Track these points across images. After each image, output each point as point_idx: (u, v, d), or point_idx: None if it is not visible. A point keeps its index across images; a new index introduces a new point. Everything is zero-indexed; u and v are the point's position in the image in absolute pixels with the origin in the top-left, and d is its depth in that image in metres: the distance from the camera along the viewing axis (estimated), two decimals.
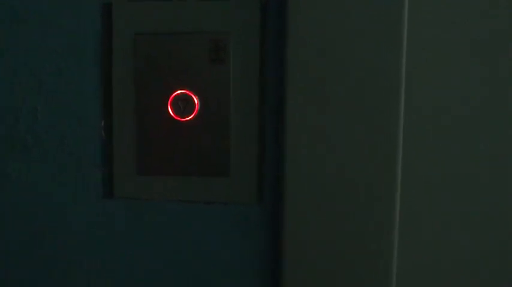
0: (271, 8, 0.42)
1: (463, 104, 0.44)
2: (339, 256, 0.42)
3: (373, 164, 0.40)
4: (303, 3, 0.39)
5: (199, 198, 0.44)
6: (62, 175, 0.46)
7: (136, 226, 0.45)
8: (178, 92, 0.43)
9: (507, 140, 0.44)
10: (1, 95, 0.45)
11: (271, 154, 0.43)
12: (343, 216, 0.41)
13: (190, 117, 0.43)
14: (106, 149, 0.45)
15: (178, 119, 0.43)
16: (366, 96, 0.40)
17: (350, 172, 0.40)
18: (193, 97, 0.43)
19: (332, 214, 0.41)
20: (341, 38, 0.39)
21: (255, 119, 0.43)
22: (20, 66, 0.45)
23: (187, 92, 0.43)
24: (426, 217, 0.45)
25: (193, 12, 0.42)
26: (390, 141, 0.40)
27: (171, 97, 0.43)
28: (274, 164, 0.43)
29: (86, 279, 0.46)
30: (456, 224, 0.45)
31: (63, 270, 0.47)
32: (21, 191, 0.46)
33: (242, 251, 0.44)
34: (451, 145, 0.44)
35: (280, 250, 0.43)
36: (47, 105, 0.45)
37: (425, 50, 0.44)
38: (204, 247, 0.45)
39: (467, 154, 0.44)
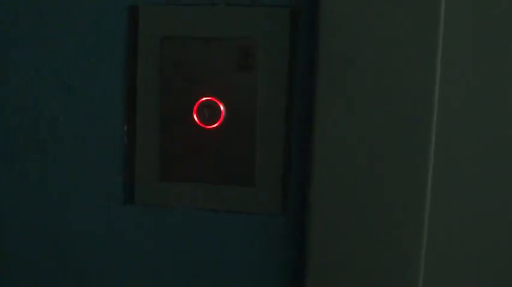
0: (302, 16, 0.41)
1: (496, 105, 0.43)
2: (364, 269, 0.41)
3: (403, 175, 0.39)
4: (335, 11, 0.38)
5: (222, 207, 0.43)
6: (83, 179, 0.45)
7: (156, 232, 0.45)
8: (204, 98, 0.42)
9: None
10: (24, 96, 0.45)
11: (296, 164, 0.42)
12: (370, 228, 0.40)
13: (215, 124, 0.42)
14: (128, 154, 0.44)
15: (204, 126, 0.42)
16: (397, 106, 0.39)
17: (378, 183, 0.40)
18: (219, 104, 0.42)
19: (358, 226, 0.40)
20: (373, 47, 0.38)
21: (281, 128, 0.42)
22: (44, 67, 0.44)
23: (214, 99, 0.42)
24: (458, 228, 0.44)
25: (222, 18, 0.41)
26: (421, 151, 0.39)
27: (196, 104, 0.42)
28: (299, 174, 0.42)
29: (103, 284, 0.46)
30: (491, 232, 0.44)
31: (79, 272, 0.46)
32: (40, 192, 0.46)
33: (264, 261, 0.44)
34: (485, 149, 0.43)
35: (303, 261, 0.42)
36: (69, 108, 0.44)
37: (461, 61, 0.43)
38: (226, 257, 0.44)
39: (499, 156, 0.43)
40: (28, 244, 0.46)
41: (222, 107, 0.42)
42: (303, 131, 0.42)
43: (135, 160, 0.44)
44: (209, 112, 0.42)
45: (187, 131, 0.43)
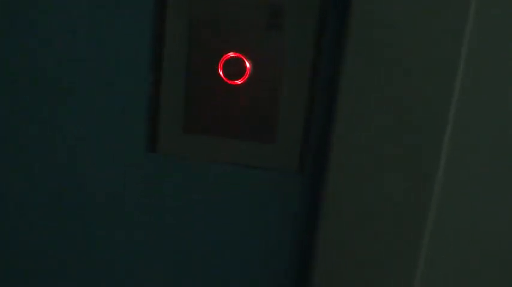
0: None
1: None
2: (375, 233, 0.42)
3: (426, 138, 0.40)
4: None
5: (241, 161, 0.45)
6: (106, 125, 0.46)
7: (176, 183, 0.46)
8: (231, 54, 0.42)
9: None
10: (51, 39, 0.45)
11: (318, 126, 0.43)
12: (386, 194, 0.41)
13: (240, 81, 0.43)
14: (153, 104, 0.45)
15: (229, 81, 0.43)
16: (425, 72, 0.39)
17: (398, 149, 0.40)
18: (246, 61, 0.42)
19: (373, 192, 0.41)
20: (404, 11, 0.38)
21: (305, 88, 0.43)
22: (71, 12, 0.45)
23: (240, 56, 0.42)
24: (469, 228, 0.45)
25: None
26: (442, 119, 0.40)
27: (223, 59, 0.43)
28: (319, 136, 0.43)
29: (123, 231, 0.48)
30: (498, 243, 0.45)
31: (100, 218, 0.48)
32: (65, 136, 0.47)
33: (279, 218, 0.45)
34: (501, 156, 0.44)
35: (316, 220, 0.43)
36: (96, 54, 0.45)
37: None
38: (241, 211, 0.46)
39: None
40: (52, 190, 0.48)
41: (248, 64, 0.42)
42: (326, 93, 0.42)
43: (159, 110, 0.45)
44: (235, 68, 0.42)
45: (212, 85, 0.43)
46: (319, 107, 0.43)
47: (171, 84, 0.44)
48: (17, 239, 0.50)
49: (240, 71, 0.43)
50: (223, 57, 0.43)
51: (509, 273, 0.46)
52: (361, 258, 0.43)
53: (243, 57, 0.42)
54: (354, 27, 0.39)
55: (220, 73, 0.43)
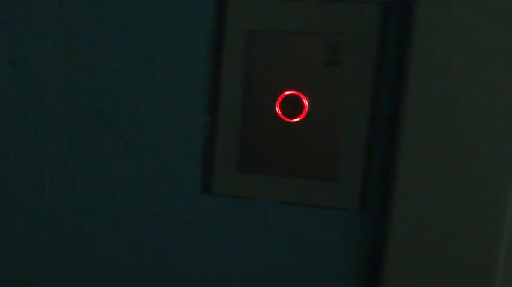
0: (393, 13, 0.41)
1: None
2: (443, 268, 0.40)
3: (491, 182, 0.39)
4: (430, 8, 0.38)
5: (300, 200, 0.44)
6: (163, 166, 0.46)
7: (233, 223, 0.45)
8: (288, 92, 0.42)
9: None
10: (109, 82, 0.46)
11: (378, 162, 0.42)
12: (453, 233, 0.39)
13: (298, 119, 0.42)
14: (209, 144, 0.45)
15: (286, 119, 0.43)
16: (485, 110, 0.38)
17: (464, 188, 0.39)
18: (303, 99, 0.42)
19: (438, 231, 0.40)
20: (468, 50, 0.38)
21: (365, 125, 0.42)
22: (131, 55, 0.45)
23: (297, 93, 0.42)
24: None
25: (310, 13, 0.42)
26: (506, 146, 0.38)
27: (280, 97, 0.42)
28: (380, 172, 0.42)
29: (177, 272, 0.47)
30: None
31: (156, 258, 0.47)
32: (121, 180, 0.47)
33: (340, 257, 0.44)
34: None
35: (379, 260, 0.42)
36: (154, 97, 0.45)
37: None
38: (302, 250, 0.44)
39: None
40: (109, 230, 0.48)
41: (305, 102, 0.42)
42: (386, 129, 0.42)
43: (215, 149, 0.45)
44: (292, 106, 0.42)
45: (269, 124, 0.43)
46: (379, 144, 0.42)
47: (228, 123, 0.44)
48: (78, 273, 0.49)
49: (297, 108, 0.42)
50: (280, 95, 0.42)
51: None
52: None
53: (300, 95, 0.42)
54: (412, 63, 0.38)
55: (278, 111, 0.43)
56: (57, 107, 0.47)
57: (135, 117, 0.46)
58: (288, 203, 0.44)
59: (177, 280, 0.47)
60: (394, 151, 0.40)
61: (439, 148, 0.39)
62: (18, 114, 0.48)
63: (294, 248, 0.44)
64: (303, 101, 0.42)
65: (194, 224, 0.46)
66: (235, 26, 0.43)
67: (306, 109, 0.42)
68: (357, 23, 0.41)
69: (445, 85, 0.38)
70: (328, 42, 0.41)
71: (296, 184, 0.43)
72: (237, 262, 0.46)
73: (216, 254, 0.46)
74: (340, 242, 0.43)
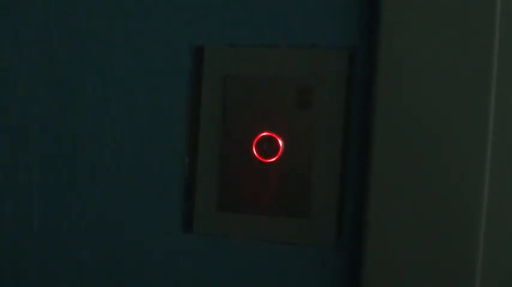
0: (359, 57, 0.43)
1: None
2: None
3: (459, 211, 0.40)
4: (392, 53, 0.40)
5: (277, 238, 0.45)
6: (143, 206, 0.47)
7: (213, 262, 0.46)
8: (264, 134, 0.44)
9: None
10: (89, 124, 0.48)
11: (352, 199, 0.44)
12: (431, 264, 0.41)
13: (273, 159, 0.44)
14: (189, 184, 0.47)
15: (262, 159, 0.44)
16: (452, 152, 0.40)
17: (435, 220, 0.40)
18: (278, 139, 0.44)
19: (417, 262, 0.41)
20: (432, 86, 0.40)
21: (337, 163, 0.44)
22: (110, 100, 0.47)
23: (272, 135, 0.44)
24: None
25: (282, 59, 0.44)
26: (477, 186, 0.40)
27: (256, 138, 0.44)
28: (354, 208, 0.44)
29: None
30: None
31: None
32: (99, 218, 0.48)
33: None
34: None
35: None
36: (134, 138, 0.47)
37: None
38: None
39: None
40: (90, 268, 0.49)
41: (280, 142, 0.44)
42: (358, 167, 0.44)
43: (195, 190, 0.46)
44: (268, 147, 0.44)
45: (246, 164, 0.45)
46: (352, 181, 0.44)
47: (207, 163, 0.46)
48: None
49: (272, 149, 0.44)
50: (256, 136, 0.44)
51: None
52: None
53: (275, 136, 0.44)
54: (378, 103, 0.41)
55: (254, 152, 0.44)
56: (37, 143, 0.49)
57: (116, 158, 0.48)
58: (265, 241, 0.45)
59: None
60: (366, 186, 0.42)
61: (410, 183, 0.41)
62: None
63: (272, 285, 0.45)
64: (278, 142, 0.44)
65: (176, 263, 0.47)
66: (212, 72, 0.45)
67: (281, 149, 0.44)
68: (326, 67, 0.43)
69: (411, 122, 0.41)
70: (300, 85, 0.44)
71: (272, 222, 0.45)
72: None
73: None
74: (316, 279, 0.45)
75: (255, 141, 0.44)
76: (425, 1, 0.40)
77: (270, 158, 0.44)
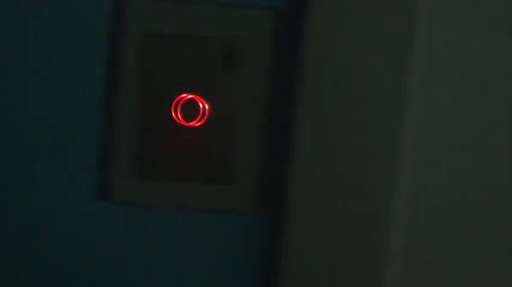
0: (288, 18, 0.42)
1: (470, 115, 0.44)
2: (338, 269, 0.41)
3: (377, 178, 0.40)
4: (321, 14, 0.39)
5: (199, 205, 0.43)
6: (58, 174, 0.44)
7: (133, 230, 0.44)
8: (186, 96, 0.42)
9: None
10: (5, 88, 0.44)
11: (276, 166, 0.43)
12: (348, 230, 0.40)
13: (196, 122, 0.42)
14: (106, 150, 0.44)
15: (184, 123, 0.42)
16: (375, 107, 0.40)
17: (354, 187, 0.40)
18: (201, 102, 0.42)
19: (335, 229, 0.41)
20: (357, 52, 0.39)
21: (261, 129, 0.42)
22: (24, 53, 0.44)
23: (195, 97, 0.42)
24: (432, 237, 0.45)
25: (207, 17, 0.42)
26: (393, 152, 0.40)
27: (178, 101, 0.42)
28: (276, 176, 0.43)
29: (77, 281, 0.45)
30: (459, 224, 0.44)
31: (54, 269, 0.45)
32: (14, 188, 0.45)
33: (239, 260, 0.44)
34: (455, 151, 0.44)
35: (278, 261, 0.42)
36: (47, 101, 0.44)
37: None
38: (202, 255, 0.44)
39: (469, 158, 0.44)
40: (6, 241, 0.45)
41: (203, 105, 0.42)
42: (283, 132, 0.42)
43: (112, 156, 0.44)
44: (190, 110, 0.42)
45: (167, 128, 0.42)
46: (275, 147, 0.43)
47: (124, 127, 0.43)
48: None
49: (195, 112, 0.42)
50: (178, 98, 0.42)
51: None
52: None
53: (198, 99, 0.42)
54: (306, 66, 0.39)
55: (175, 115, 0.42)
56: None
57: (26, 122, 0.44)
58: (186, 208, 0.43)
59: None
60: (288, 154, 0.41)
61: (333, 151, 0.40)
62: None
63: (192, 252, 0.44)
64: (201, 105, 0.42)
65: (92, 233, 0.45)
66: (132, 28, 0.42)
67: (203, 113, 0.42)
68: (253, 28, 0.42)
69: (338, 89, 0.40)
70: (225, 46, 0.41)
71: (194, 189, 0.43)
72: (138, 269, 0.45)
73: (113, 262, 0.45)
74: (237, 246, 0.43)
75: (177, 103, 0.42)
76: None
77: (192, 122, 0.42)
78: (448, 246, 0.44)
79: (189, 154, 0.43)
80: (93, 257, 0.45)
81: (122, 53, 0.43)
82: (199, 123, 0.42)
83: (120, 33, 0.43)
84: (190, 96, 0.42)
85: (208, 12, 0.42)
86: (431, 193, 0.43)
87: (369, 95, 0.40)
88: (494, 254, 0.44)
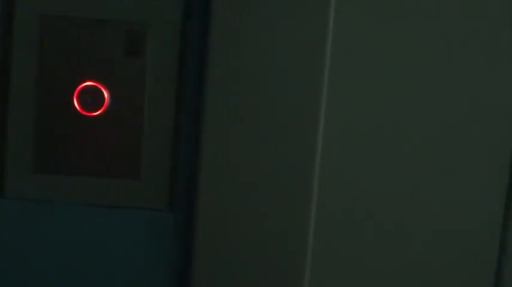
0: (195, 1, 0.39)
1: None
2: (251, 265, 0.40)
3: (291, 173, 0.39)
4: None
5: (104, 201, 0.40)
6: None
7: (30, 229, 0.41)
8: (87, 83, 0.39)
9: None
10: None
11: (185, 158, 0.41)
12: (260, 227, 0.39)
13: (98, 112, 0.39)
14: None
15: (85, 113, 0.39)
16: (287, 103, 0.38)
17: (266, 180, 0.39)
18: (103, 90, 0.39)
19: (247, 224, 0.39)
20: (266, 37, 0.38)
21: (170, 119, 0.40)
22: None
23: (97, 85, 0.39)
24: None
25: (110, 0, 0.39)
26: (308, 148, 0.39)
27: (77, 89, 0.39)
28: (188, 169, 0.41)
29: None
30: (373, 225, 0.44)
31: None
32: None
33: (149, 259, 0.41)
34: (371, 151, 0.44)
35: (189, 260, 0.40)
36: None
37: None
38: (108, 255, 0.41)
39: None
40: None
41: (106, 94, 0.39)
42: (193, 123, 0.40)
43: (6, 149, 0.40)
44: (91, 98, 0.39)
45: (66, 119, 0.39)
46: (185, 138, 0.40)
47: (19, 118, 0.40)
48: None
49: (97, 101, 0.39)
50: (78, 87, 0.39)
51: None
52: None
53: (100, 86, 0.39)
54: (212, 53, 0.38)
55: (76, 104, 0.39)
56: None
57: None
58: (90, 204, 0.41)
59: None
60: (199, 146, 0.39)
61: (244, 143, 0.39)
62: None
63: (98, 251, 0.41)
64: (103, 93, 0.39)
65: None
66: (25, 10, 0.39)
67: (106, 102, 0.39)
68: (158, 12, 0.39)
69: (245, 76, 0.38)
70: (129, 30, 0.39)
71: (98, 183, 0.40)
72: (36, 270, 0.41)
73: (10, 262, 0.41)
74: (146, 243, 0.41)
75: (77, 92, 0.39)
76: None
77: (94, 112, 0.39)
78: (367, 247, 0.44)
79: (92, 145, 0.40)
80: None
81: (16, 38, 0.39)
82: (100, 113, 0.39)
83: (13, 16, 0.39)
84: (91, 83, 0.39)
85: None
86: (346, 193, 0.43)
87: (281, 91, 0.39)
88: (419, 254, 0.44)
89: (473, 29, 0.41)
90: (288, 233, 0.39)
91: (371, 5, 0.40)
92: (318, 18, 0.38)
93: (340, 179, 0.41)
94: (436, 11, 0.40)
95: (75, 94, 0.39)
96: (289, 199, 0.39)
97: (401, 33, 0.40)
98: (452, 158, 0.41)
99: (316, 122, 0.39)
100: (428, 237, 0.42)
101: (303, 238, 0.40)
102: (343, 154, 0.41)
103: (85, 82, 0.39)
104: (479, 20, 0.41)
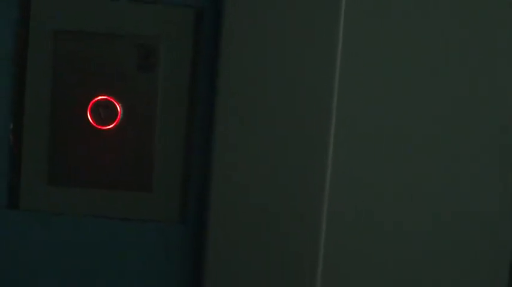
0: (206, 16, 0.40)
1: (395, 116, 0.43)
2: (264, 278, 0.40)
3: (302, 189, 0.39)
4: (238, 11, 0.38)
5: (117, 214, 0.41)
6: None
7: (44, 241, 0.41)
8: (100, 97, 0.39)
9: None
10: None
11: (197, 170, 0.41)
12: (273, 239, 0.39)
13: (111, 126, 0.40)
14: (14, 155, 0.41)
15: (98, 126, 0.40)
16: (298, 113, 0.39)
17: (277, 195, 0.39)
18: (116, 105, 0.40)
19: (260, 236, 0.39)
20: (276, 49, 0.38)
21: (182, 132, 0.40)
22: None
23: (110, 99, 0.40)
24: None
25: (123, 14, 0.39)
26: (319, 156, 0.39)
27: (91, 103, 0.40)
28: (200, 182, 0.41)
29: None
30: (385, 229, 0.44)
31: None
32: None
33: (161, 271, 0.42)
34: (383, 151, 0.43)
35: (201, 272, 0.41)
36: None
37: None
38: (120, 267, 0.42)
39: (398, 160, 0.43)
40: None
41: (118, 108, 0.40)
42: (205, 136, 0.41)
43: (21, 161, 0.41)
44: (105, 112, 0.40)
45: (80, 132, 0.40)
46: (197, 151, 0.41)
47: (34, 130, 0.40)
48: None
49: (110, 115, 0.40)
50: (91, 101, 0.40)
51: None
52: None
53: (113, 100, 0.39)
54: (225, 65, 0.38)
55: (89, 118, 0.40)
56: None
57: None
58: (103, 216, 0.41)
59: None
60: (211, 159, 0.39)
61: (255, 154, 0.39)
62: None
63: (111, 263, 0.42)
64: (116, 107, 0.40)
65: (1, 243, 0.41)
66: (40, 26, 0.39)
67: (119, 116, 0.40)
68: (171, 26, 0.40)
69: (257, 88, 0.38)
70: (141, 44, 0.39)
71: (110, 196, 0.41)
72: (49, 280, 0.42)
73: (25, 273, 0.42)
74: (159, 256, 0.41)
75: (90, 105, 0.40)
76: None
77: (107, 125, 0.40)
78: (376, 248, 0.44)
79: (105, 158, 0.40)
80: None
81: (30, 52, 0.40)
82: (113, 126, 0.40)
83: (28, 32, 0.40)
84: (105, 97, 0.40)
85: (122, 9, 0.39)
86: (357, 194, 0.43)
87: (292, 96, 0.39)
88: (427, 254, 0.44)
89: (472, 29, 0.41)
90: (302, 246, 0.39)
91: (381, 6, 0.40)
92: (328, 23, 0.38)
93: (352, 180, 0.41)
94: (436, 10, 0.40)
95: (88, 108, 0.40)
96: (302, 209, 0.39)
97: (401, 33, 0.41)
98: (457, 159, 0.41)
99: (328, 125, 0.39)
100: (439, 238, 0.42)
101: (315, 250, 0.40)
102: (353, 154, 0.41)
103: (98, 96, 0.39)
104: (479, 20, 0.41)
